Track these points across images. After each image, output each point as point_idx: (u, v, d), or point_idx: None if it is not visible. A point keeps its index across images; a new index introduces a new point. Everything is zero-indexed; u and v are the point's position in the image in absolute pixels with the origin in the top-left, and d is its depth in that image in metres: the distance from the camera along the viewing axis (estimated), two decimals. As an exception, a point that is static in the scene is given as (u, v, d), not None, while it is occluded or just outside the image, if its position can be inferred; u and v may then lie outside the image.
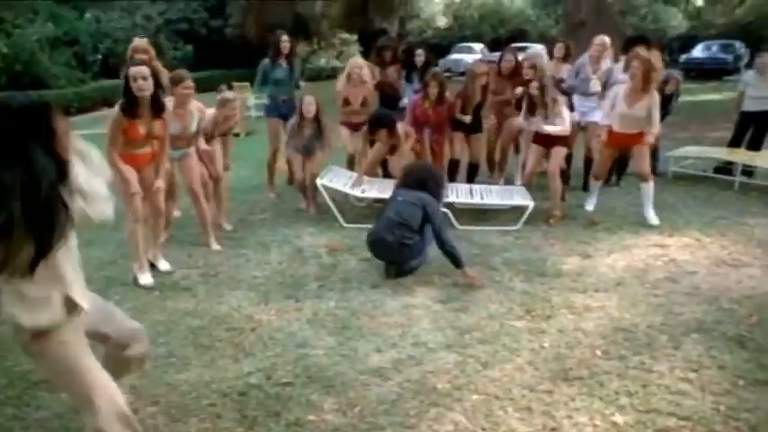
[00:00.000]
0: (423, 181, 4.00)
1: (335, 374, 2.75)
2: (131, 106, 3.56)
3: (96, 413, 1.87)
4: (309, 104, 5.12)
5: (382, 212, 4.00)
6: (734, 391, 2.59)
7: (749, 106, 6.34)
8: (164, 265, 4.06)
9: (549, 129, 4.97)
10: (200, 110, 4.39)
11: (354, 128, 5.71)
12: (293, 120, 5.30)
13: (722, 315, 3.31)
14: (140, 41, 4.05)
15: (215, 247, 4.43)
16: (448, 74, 8.62)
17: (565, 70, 6.05)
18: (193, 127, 4.31)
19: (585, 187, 5.79)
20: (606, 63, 5.83)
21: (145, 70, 3.51)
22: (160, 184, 3.89)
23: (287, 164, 5.84)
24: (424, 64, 5.97)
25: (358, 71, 5.60)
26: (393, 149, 5.41)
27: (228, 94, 4.87)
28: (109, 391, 1.92)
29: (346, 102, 5.69)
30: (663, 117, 6.30)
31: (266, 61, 5.88)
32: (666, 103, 6.23)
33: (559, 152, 5.10)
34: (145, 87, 3.50)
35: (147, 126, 3.65)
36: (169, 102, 4.09)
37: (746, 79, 6.49)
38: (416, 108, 5.42)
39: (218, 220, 4.85)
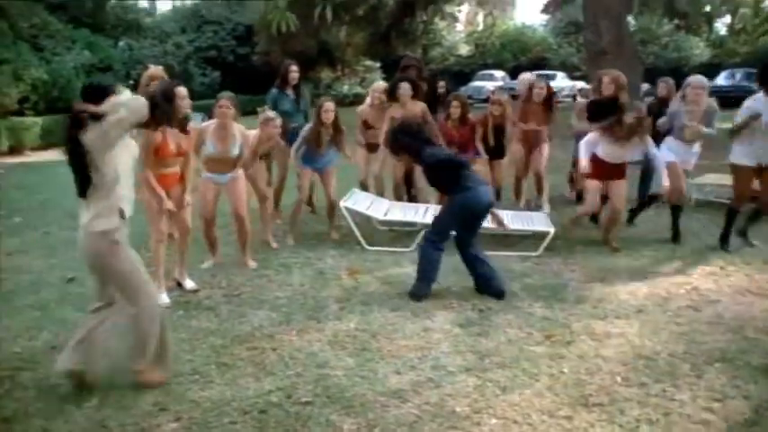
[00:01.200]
0: None
1: (355, 395, 2.78)
2: (163, 122, 3.56)
3: (139, 307, 2.72)
4: (329, 110, 4.98)
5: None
6: (760, 422, 2.55)
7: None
8: (189, 283, 4.15)
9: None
10: (243, 133, 4.40)
11: (371, 149, 5.76)
12: (308, 125, 5.15)
13: (747, 345, 3.26)
14: (157, 69, 4.18)
15: (252, 264, 4.60)
16: (470, 100, 8.73)
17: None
18: (236, 150, 4.35)
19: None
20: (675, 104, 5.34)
21: (186, 91, 3.99)
22: (189, 199, 4.00)
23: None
24: (445, 93, 6.11)
25: (379, 95, 5.68)
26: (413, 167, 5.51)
27: (270, 113, 4.97)
28: (150, 294, 2.78)
29: (366, 123, 5.74)
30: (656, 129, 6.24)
31: (274, 91, 5.84)
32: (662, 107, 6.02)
33: (622, 188, 4.99)
34: (186, 105, 3.94)
35: (175, 141, 3.80)
36: (208, 124, 4.25)
37: (759, 107, 6.41)
38: (441, 128, 5.57)
39: (266, 238, 5.09)
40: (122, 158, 2.69)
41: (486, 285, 3.98)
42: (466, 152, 5.60)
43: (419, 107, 5.51)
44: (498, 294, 3.91)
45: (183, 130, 3.88)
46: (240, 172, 4.46)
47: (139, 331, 2.76)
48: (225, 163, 4.36)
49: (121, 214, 2.67)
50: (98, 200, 2.63)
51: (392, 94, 5.51)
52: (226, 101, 4.24)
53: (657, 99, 6.27)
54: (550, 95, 5.91)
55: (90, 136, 2.55)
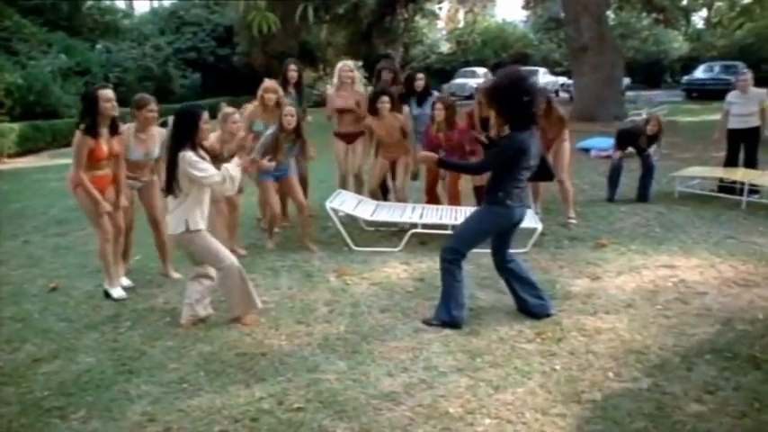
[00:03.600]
0: None
1: (347, 399, 2.75)
2: (95, 126, 3.82)
3: (224, 269, 3.46)
4: (291, 115, 4.78)
5: None
6: (751, 414, 2.57)
7: (735, 124, 6.52)
8: (124, 281, 4.23)
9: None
10: (162, 134, 4.31)
11: (348, 140, 5.72)
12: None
13: (735, 336, 3.29)
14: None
15: (175, 275, 4.42)
16: (454, 97, 8.67)
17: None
18: (156, 152, 4.32)
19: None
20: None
21: (112, 93, 3.90)
22: (124, 201, 4.12)
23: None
24: (423, 89, 5.86)
25: (347, 72, 5.61)
26: (393, 164, 5.47)
27: (228, 109, 4.77)
28: (230, 256, 3.50)
29: (338, 109, 5.66)
30: (647, 155, 6.47)
31: None
32: (651, 142, 6.45)
33: None
34: (114, 108, 3.91)
35: (108, 143, 3.91)
36: (127, 128, 4.15)
37: (730, 98, 6.60)
38: (427, 133, 5.39)
39: (232, 246, 4.86)
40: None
41: (526, 308, 3.60)
42: (455, 157, 5.43)
43: (399, 120, 5.47)
44: (536, 316, 3.55)
45: (114, 131, 3.96)
46: (155, 177, 4.38)
47: (226, 287, 3.52)
48: (145, 167, 4.33)
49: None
50: (179, 203, 3.41)
51: (372, 106, 5.43)
52: (155, 105, 4.24)
53: (646, 136, 6.42)
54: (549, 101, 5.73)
55: (184, 162, 3.34)
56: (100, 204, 3.89)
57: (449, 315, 3.47)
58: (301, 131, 4.91)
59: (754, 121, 6.39)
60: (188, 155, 3.35)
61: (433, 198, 5.60)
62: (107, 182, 4.01)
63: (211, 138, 4.58)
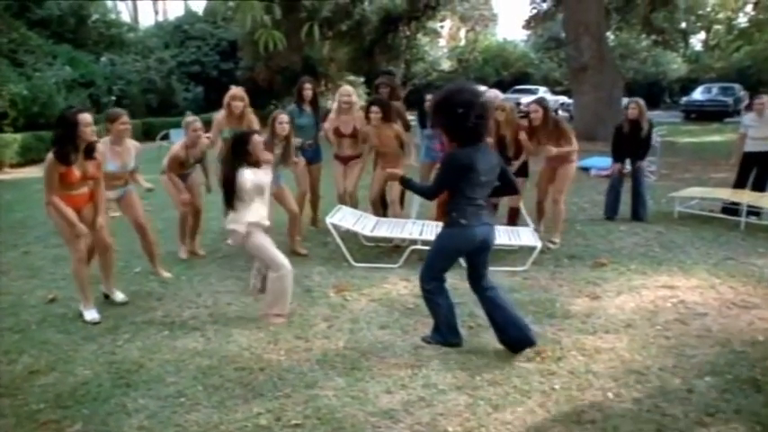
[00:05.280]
0: None
1: (345, 416, 2.73)
2: (67, 153, 3.65)
3: (277, 268, 3.78)
4: (283, 122, 4.88)
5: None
6: (750, 437, 2.56)
7: (751, 147, 6.47)
8: (119, 296, 4.17)
9: None
10: (136, 146, 4.48)
11: (345, 162, 5.77)
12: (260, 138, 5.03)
13: (735, 357, 3.28)
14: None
15: (165, 275, 4.65)
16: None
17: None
18: (132, 164, 4.42)
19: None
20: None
21: (91, 117, 3.73)
22: (102, 221, 3.96)
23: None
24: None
25: (346, 98, 5.67)
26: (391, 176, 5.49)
27: (190, 117, 5.04)
28: (281, 257, 3.82)
29: (337, 132, 5.71)
30: (644, 153, 6.46)
31: (293, 106, 5.89)
32: (643, 146, 6.41)
33: None
34: (93, 132, 3.74)
35: (81, 168, 3.75)
36: (102, 142, 4.15)
37: (746, 121, 6.62)
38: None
39: (195, 249, 5.27)
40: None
41: (506, 341, 3.36)
42: None
43: (393, 130, 5.51)
44: (515, 348, 3.33)
45: (89, 156, 3.78)
46: (131, 186, 4.50)
47: (275, 287, 3.82)
48: (121, 178, 4.39)
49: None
50: (236, 210, 3.78)
51: (366, 117, 5.50)
52: (127, 118, 4.32)
53: (628, 120, 6.36)
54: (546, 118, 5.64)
55: (241, 177, 3.71)
56: (75, 227, 3.73)
57: (444, 339, 3.46)
58: (291, 140, 4.99)
59: None
60: (246, 172, 3.73)
61: (443, 213, 5.58)
62: (83, 201, 3.87)
63: (176, 145, 4.93)
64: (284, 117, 4.96)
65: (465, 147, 3.19)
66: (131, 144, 4.44)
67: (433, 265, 3.41)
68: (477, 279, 3.40)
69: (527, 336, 3.31)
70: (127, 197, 4.48)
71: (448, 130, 3.26)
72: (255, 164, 3.81)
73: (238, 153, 3.79)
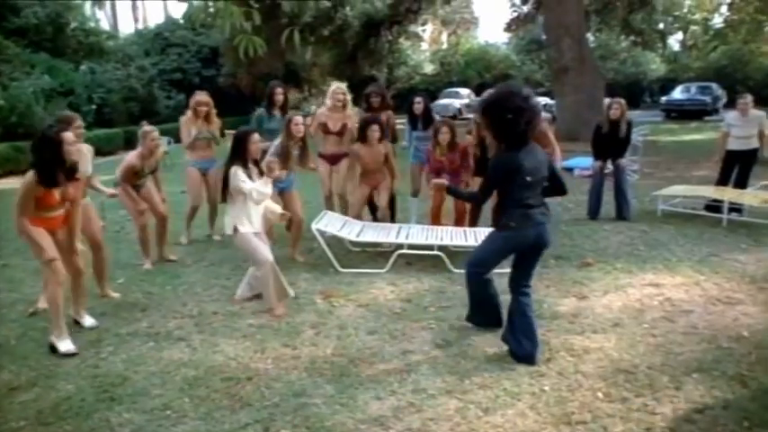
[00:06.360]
0: None
1: (335, 424, 2.70)
2: (53, 176, 3.42)
3: (260, 265, 4.02)
4: (299, 123, 4.93)
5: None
6: (739, 432, 2.57)
7: (733, 146, 6.56)
8: (88, 321, 3.91)
9: None
10: (90, 150, 4.35)
11: (332, 161, 5.73)
12: (277, 142, 5.00)
13: (721, 354, 3.31)
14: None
15: (114, 296, 4.40)
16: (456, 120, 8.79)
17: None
18: (89, 168, 4.26)
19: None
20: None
21: (73, 135, 3.59)
22: (79, 246, 3.80)
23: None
24: (423, 110, 6.10)
25: (341, 96, 5.66)
26: (375, 186, 5.51)
27: (147, 127, 5.05)
28: (266, 255, 4.03)
29: (325, 128, 5.68)
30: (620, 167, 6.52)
31: (261, 111, 5.92)
32: (622, 144, 6.46)
33: None
34: (74, 151, 3.55)
35: (60, 190, 3.53)
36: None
37: (729, 120, 6.72)
38: (430, 157, 5.50)
39: (166, 255, 5.29)
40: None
41: (511, 349, 3.35)
42: (457, 177, 5.38)
43: (385, 149, 5.53)
44: (519, 359, 3.27)
45: (71, 177, 3.55)
46: (88, 199, 4.34)
47: (262, 281, 4.06)
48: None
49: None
50: (230, 210, 4.05)
51: (362, 133, 5.46)
52: (80, 122, 4.23)
53: (609, 120, 6.42)
54: None
55: (234, 176, 3.96)
56: (44, 252, 3.45)
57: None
58: (306, 142, 5.08)
59: (754, 143, 6.48)
60: (237, 170, 3.98)
61: (437, 220, 5.61)
62: (59, 223, 3.64)
63: (131, 155, 4.91)
64: (299, 119, 5.00)
65: (511, 150, 3.22)
66: (85, 148, 4.24)
67: (486, 261, 3.46)
68: (520, 277, 3.41)
69: (535, 355, 3.26)
70: (83, 212, 4.14)
71: (496, 133, 3.28)
72: (255, 163, 4.11)
73: (236, 151, 4.05)
